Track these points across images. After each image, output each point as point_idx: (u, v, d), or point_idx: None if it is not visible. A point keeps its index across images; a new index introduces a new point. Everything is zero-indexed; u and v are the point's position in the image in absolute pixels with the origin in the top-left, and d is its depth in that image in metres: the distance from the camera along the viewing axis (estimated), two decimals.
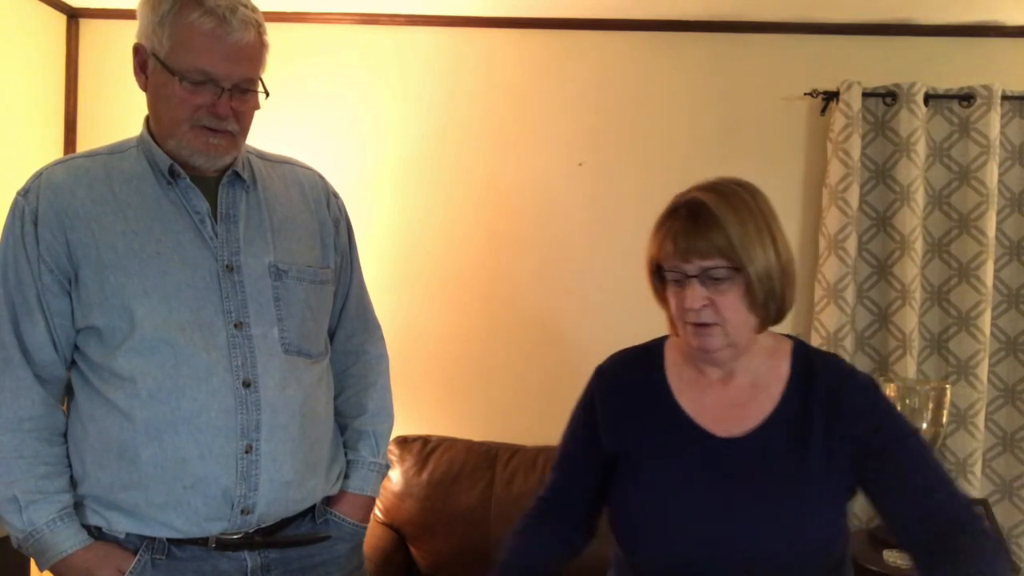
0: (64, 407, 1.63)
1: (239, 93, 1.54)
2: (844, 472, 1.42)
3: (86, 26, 3.10)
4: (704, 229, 1.38)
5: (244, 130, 1.60)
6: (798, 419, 1.44)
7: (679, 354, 1.55)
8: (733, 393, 1.48)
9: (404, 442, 3.02)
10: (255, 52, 1.54)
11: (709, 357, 1.45)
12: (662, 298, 1.49)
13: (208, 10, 1.47)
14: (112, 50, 3.05)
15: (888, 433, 1.42)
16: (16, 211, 1.56)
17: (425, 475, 2.94)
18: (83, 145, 3.04)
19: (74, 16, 3.07)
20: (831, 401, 1.44)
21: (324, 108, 3.11)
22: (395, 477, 2.96)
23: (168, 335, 1.52)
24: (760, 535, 1.38)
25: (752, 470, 1.42)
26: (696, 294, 1.38)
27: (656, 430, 1.49)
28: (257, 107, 1.60)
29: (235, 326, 1.56)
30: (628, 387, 1.55)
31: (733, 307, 1.39)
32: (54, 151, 3.03)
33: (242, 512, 1.56)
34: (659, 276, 1.46)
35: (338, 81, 3.12)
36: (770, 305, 1.42)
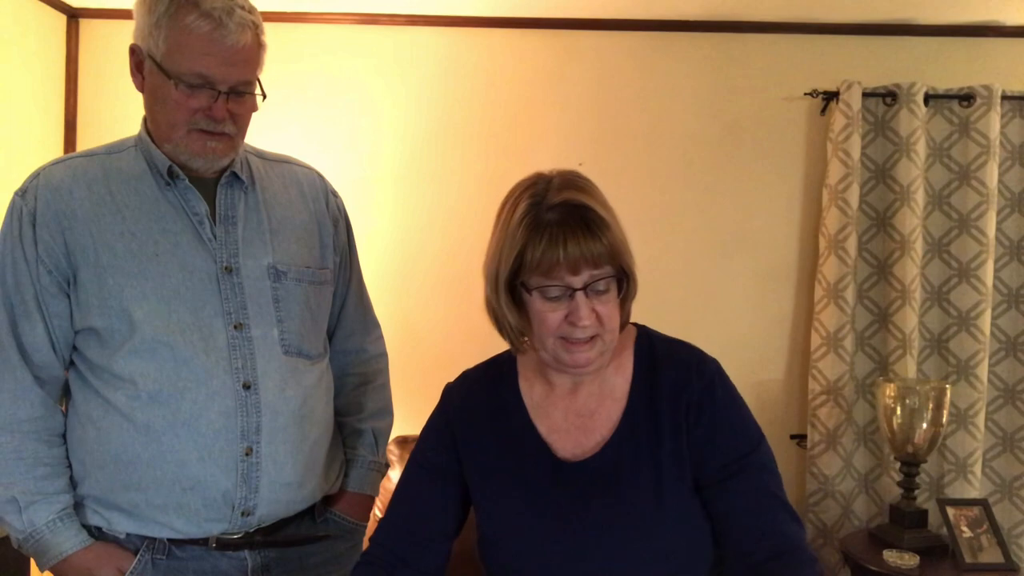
0: (63, 408, 1.63)
1: (236, 95, 1.53)
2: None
3: (86, 26, 3.10)
4: (596, 234, 1.25)
5: (242, 132, 1.59)
6: (646, 423, 1.34)
7: (529, 367, 1.44)
8: (582, 402, 1.39)
9: (404, 442, 3.01)
10: (252, 54, 1.53)
11: (581, 371, 1.33)
12: (515, 311, 1.33)
13: (204, 13, 1.46)
14: (112, 50, 3.05)
15: (723, 449, 1.32)
16: (14, 212, 1.55)
17: None
18: (83, 145, 3.04)
19: (74, 16, 3.07)
20: (675, 396, 1.34)
21: (324, 108, 3.10)
22: (396, 477, 2.95)
23: (168, 337, 1.52)
24: (618, 562, 1.30)
25: (603, 493, 1.32)
26: (587, 310, 1.26)
27: (509, 456, 1.39)
28: (255, 109, 1.59)
29: (235, 327, 1.56)
30: (481, 408, 1.44)
31: (613, 316, 1.29)
32: (54, 151, 3.02)
33: (242, 514, 1.56)
34: (512, 287, 1.31)
35: (338, 81, 3.11)
36: (630, 307, 1.36)
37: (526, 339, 1.38)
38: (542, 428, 1.40)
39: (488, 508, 1.41)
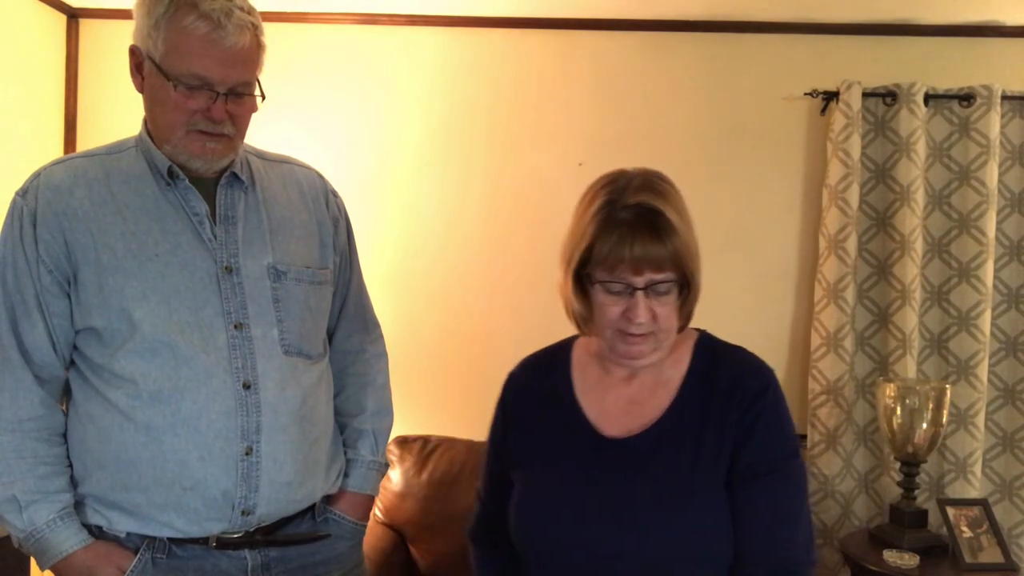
0: (63, 407, 1.63)
1: (235, 96, 1.53)
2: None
3: (86, 26, 3.11)
4: (663, 239, 1.30)
5: (241, 132, 1.59)
6: (694, 411, 1.38)
7: (587, 353, 1.50)
8: (634, 390, 1.43)
9: (404, 442, 3.02)
10: (251, 55, 1.53)
11: (634, 363, 1.39)
12: (580, 298, 1.39)
13: (203, 14, 1.46)
14: (112, 50, 3.05)
15: (756, 449, 1.36)
16: (15, 212, 1.55)
17: (425, 475, 2.94)
18: (83, 145, 3.04)
19: (74, 16, 3.07)
20: (729, 392, 1.38)
21: (324, 108, 3.11)
22: (395, 477, 2.96)
23: (168, 337, 1.52)
24: (647, 538, 1.33)
25: (641, 470, 1.36)
26: (644, 309, 1.31)
27: (552, 432, 1.45)
28: (254, 109, 1.60)
29: (235, 327, 1.56)
30: (533, 391, 1.51)
31: (671, 317, 1.34)
32: (54, 151, 3.03)
33: (242, 513, 1.56)
34: (579, 276, 1.37)
35: (338, 81, 3.12)
36: (693, 310, 1.40)
37: (589, 326, 1.42)
38: (590, 412, 1.44)
39: (527, 485, 1.45)
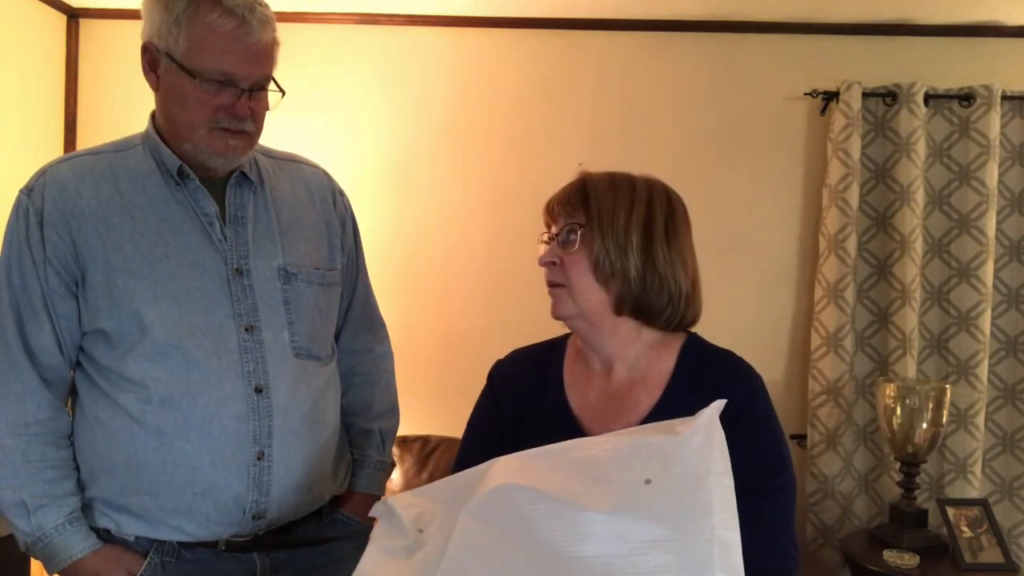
0: (68, 408, 1.61)
1: (256, 92, 1.52)
2: None
3: (86, 26, 3.09)
4: (573, 192, 1.44)
5: (259, 129, 1.58)
6: (682, 415, 1.35)
7: (575, 349, 1.54)
8: (613, 387, 1.46)
9: (404, 442, 3.02)
10: (272, 51, 1.54)
11: (569, 324, 1.47)
12: None
13: (227, 10, 1.45)
14: (112, 50, 3.03)
15: (747, 462, 1.29)
16: (20, 210, 1.53)
17: (425, 475, 2.94)
18: (83, 145, 3.02)
19: (74, 16, 3.06)
20: (717, 395, 1.32)
21: (324, 108, 3.10)
22: (395, 477, 2.95)
23: (179, 340, 1.50)
24: None
25: None
26: (548, 250, 1.46)
27: (540, 425, 1.46)
28: (268, 107, 1.59)
29: (246, 330, 1.54)
30: (524, 380, 1.54)
31: (578, 270, 1.41)
32: (54, 151, 3.01)
33: (253, 517, 1.55)
34: None
35: (338, 81, 3.11)
36: (622, 290, 1.40)
37: None
38: (575, 404, 1.47)
39: None
